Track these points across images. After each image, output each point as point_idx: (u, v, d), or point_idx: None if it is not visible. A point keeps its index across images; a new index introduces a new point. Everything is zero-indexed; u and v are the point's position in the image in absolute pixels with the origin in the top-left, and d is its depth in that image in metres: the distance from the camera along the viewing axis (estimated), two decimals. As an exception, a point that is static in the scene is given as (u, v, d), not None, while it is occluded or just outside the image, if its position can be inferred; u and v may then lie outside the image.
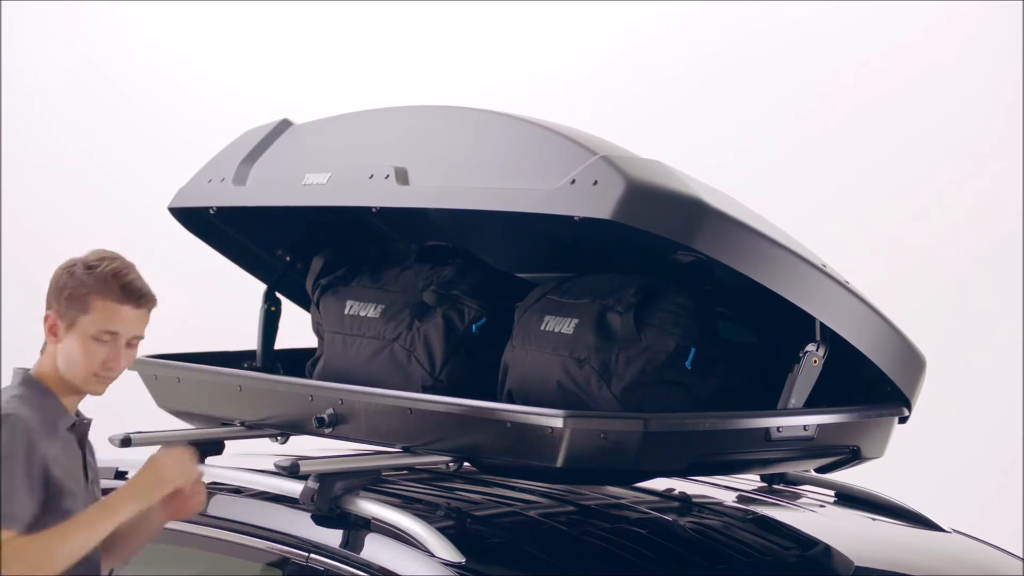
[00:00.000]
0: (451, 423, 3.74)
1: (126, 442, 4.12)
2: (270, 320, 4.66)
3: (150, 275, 3.57)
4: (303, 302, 4.63)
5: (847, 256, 5.75)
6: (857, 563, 3.72)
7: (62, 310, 3.43)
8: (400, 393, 3.88)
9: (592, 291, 3.85)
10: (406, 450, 3.85)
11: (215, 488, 3.98)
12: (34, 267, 8.87)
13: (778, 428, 3.64)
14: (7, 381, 3.55)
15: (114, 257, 3.46)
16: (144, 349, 3.67)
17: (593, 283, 3.89)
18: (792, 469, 4.05)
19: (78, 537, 3.32)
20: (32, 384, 3.44)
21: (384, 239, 4.55)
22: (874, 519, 4.12)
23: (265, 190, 4.28)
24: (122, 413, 5.51)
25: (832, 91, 8.23)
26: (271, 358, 4.65)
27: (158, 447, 3.61)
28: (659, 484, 4.09)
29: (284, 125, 4.41)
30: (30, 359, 3.58)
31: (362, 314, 4.21)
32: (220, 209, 4.44)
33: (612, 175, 3.50)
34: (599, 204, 3.49)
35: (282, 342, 4.68)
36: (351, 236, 4.51)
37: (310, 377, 4.35)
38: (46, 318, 3.45)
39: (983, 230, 8.06)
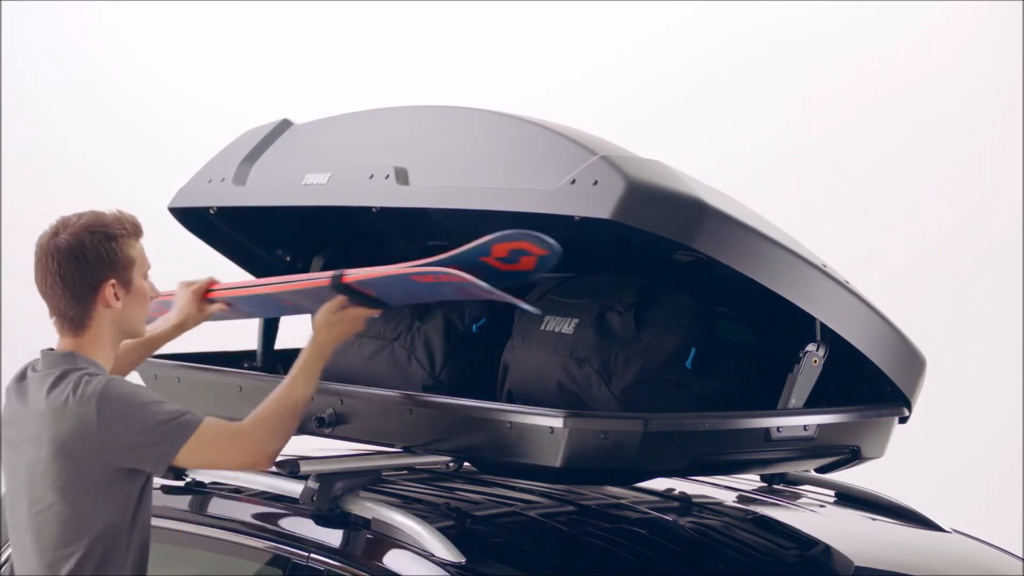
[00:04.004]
0: (451, 423, 3.73)
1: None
2: (270, 320, 4.66)
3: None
4: (303, 302, 4.62)
5: (847, 256, 5.74)
6: (857, 563, 3.72)
7: (118, 273, 3.49)
8: (400, 393, 3.88)
9: (592, 291, 3.85)
10: (406, 450, 3.85)
11: (215, 488, 3.98)
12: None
13: (778, 428, 3.64)
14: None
15: (94, 213, 3.55)
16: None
17: (593, 283, 3.89)
18: (792, 469, 4.05)
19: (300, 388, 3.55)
20: (86, 360, 3.49)
21: (384, 239, 4.55)
22: (874, 519, 4.12)
23: (265, 190, 4.28)
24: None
25: (832, 91, 8.23)
26: (271, 358, 4.65)
27: None
28: (659, 484, 4.09)
29: (284, 125, 4.41)
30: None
31: (362, 314, 4.20)
32: (220, 209, 4.44)
33: (612, 175, 3.50)
34: (599, 204, 3.48)
35: (282, 342, 4.67)
36: (351, 236, 4.51)
37: (310, 377, 4.34)
38: (102, 289, 3.48)
39: (983, 230, 8.06)
